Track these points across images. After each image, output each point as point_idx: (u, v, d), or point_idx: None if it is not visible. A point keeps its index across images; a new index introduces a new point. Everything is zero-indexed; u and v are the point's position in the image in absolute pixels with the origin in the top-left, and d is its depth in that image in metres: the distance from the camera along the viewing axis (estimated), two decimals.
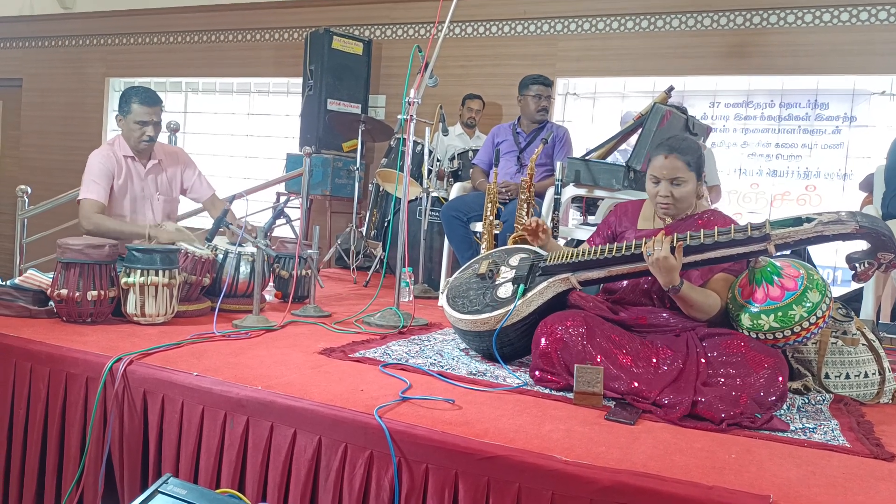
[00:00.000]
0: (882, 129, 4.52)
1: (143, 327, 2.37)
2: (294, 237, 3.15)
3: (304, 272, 3.03)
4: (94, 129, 7.01)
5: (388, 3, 5.79)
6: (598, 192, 3.23)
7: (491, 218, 3.38)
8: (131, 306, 2.39)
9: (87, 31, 7.08)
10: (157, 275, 2.38)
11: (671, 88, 3.34)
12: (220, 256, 2.78)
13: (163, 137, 3.06)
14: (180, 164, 3.17)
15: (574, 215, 4.08)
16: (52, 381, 1.99)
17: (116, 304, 2.43)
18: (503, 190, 3.63)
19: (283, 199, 5.37)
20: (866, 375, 2.09)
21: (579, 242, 2.32)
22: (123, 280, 2.38)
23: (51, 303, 2.41)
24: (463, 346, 2.43)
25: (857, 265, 1.87)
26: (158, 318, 2.42)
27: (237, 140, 6.64)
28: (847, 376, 2.09)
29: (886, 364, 2.11)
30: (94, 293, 2.33)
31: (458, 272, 2.52)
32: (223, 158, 6.64)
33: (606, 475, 1.37)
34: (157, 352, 2.02)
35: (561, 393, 1.90)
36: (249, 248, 2.77)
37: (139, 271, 2.36)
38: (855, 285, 3.69)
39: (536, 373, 1.99)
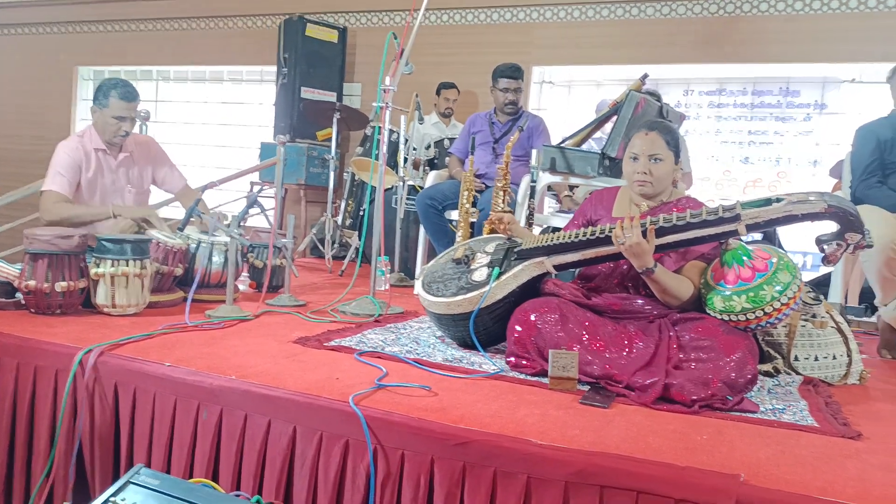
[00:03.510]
0: (852, 116, 4.60)
1: (114, 318, 2.33)
2: (268, 226, 3.12)
3: (278, 262, 3.01)
4: (62, 119, 6.87)
5: None
6: (573, 180, 3.25)
7: (467, 206, 3.37)
8: (102, 297, 2.35)
9: (53, 18, 6.92)
10: (127, 265, 2.34)
11: (645, 76, 3.35)
12: (193, 246, 2.74)
13: (133, 127, 3.02)
14: (151, 156, 3.13)
15: (550, 203, 4.09)
16: (20, 373, 1.94)
17: (87, 296, 2.39)
18: (480, 178, 3.63)
19: (256, 188, 5.31)
20: (834, 357, 2.14)
21: (555, 230, 2.33)
22: (93, 270, 2.33)
23: (18, 294, 2.36)
24: (439, 333, 2.42)
25: (825, 247, 1.90)
26: (130, 308, 2.38)
27: (210, 129, 6.56)
28: (816, 358, 2.13)
29: (854, 346, 2.16)
30: (64, 284, 2.29)
31: (433, 260, 2.52)
32: (196, 148, 6.55)
33: (580, 457, 1.38)
34: (128, 343, 1.99)
35: (536, 378, 1.91)
36: (223, 238, 2.73)
37: (109, 261, 2.32)
38: (824, 269, 3.75)
39: (511, 358, 2.00)
